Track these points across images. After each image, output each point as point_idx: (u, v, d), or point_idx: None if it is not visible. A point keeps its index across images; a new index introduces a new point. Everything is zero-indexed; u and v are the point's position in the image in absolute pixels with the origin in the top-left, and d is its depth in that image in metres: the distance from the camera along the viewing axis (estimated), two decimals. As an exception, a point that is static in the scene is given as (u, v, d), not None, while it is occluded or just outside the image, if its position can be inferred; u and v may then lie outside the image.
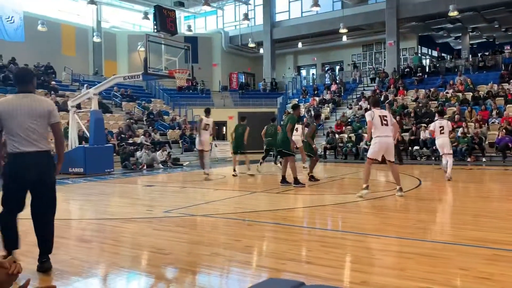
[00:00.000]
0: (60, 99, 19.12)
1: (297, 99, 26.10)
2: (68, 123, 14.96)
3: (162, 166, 16.23)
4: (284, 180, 9.59)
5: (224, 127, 27.30)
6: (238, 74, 31.63)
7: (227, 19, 32.53)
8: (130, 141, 17.87)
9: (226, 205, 7.49)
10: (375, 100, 8.52)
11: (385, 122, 7.66)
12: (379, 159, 7.90)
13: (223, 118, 26.69)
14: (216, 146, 21.44)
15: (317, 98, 24.63)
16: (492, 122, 16.91)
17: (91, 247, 4.78)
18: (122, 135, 18.13)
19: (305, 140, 11.15)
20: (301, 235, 5.32)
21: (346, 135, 19.33)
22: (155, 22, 13.04)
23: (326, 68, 29.98)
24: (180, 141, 20.91)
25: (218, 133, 26.50)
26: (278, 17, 30.05)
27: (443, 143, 10.27)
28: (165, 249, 4.55)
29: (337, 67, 30.34)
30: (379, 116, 7.67)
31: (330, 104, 23.61)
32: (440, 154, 10.91)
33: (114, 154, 15.35)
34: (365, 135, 15.04)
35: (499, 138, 15.59)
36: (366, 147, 15.08)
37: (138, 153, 16.23)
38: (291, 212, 6.69)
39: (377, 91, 22.75)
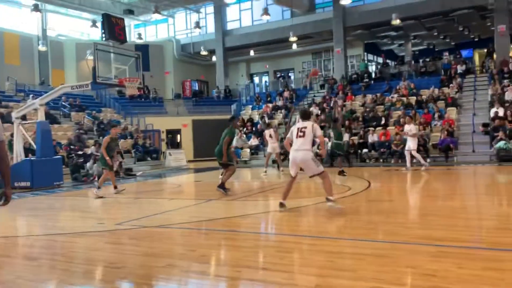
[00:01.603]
0: (3, 110, 18.20)
1: (250, 106, 26.32)
2: (12, 135, 14.27)
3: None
4: (222, 186, 9.38)
5: (178, 135, 27.01)
6: (191, 81, 31.46)
7: (178, 27, 32.30)
8: (80, 152, 17.27)
9: (181, 215, 7.41)
10: (302, 112, 7.68)
11: (301, 134, 7.05)
12: (293, 174, 7.16)
13: (177, 126, 26.42)
14: (170, 154, 21.14)
15: (270, 105, 24.93)
16: (435, 125, 17.81)
17: (39, 265, 4.58)
18: (72, 146, 17.50)
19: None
20: (256, 241, 5.36)
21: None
22: (103, 31, 12.75)
23: (278, 76, 30.45)
24: (132, 151, 20.45)
25: (172, 141, 26.20)
26: (230, 26, 30.21)
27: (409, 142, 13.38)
28: (118, 263, 4.45)
29: (292, 75, 30.89)
30: (297, 128, 7.15)
31: (283, 111, 23.96)
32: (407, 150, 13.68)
33: (64, 166, 14.79)
34: (316, 139, 15.59)
35: (441, 140, 16.45)
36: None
37: (88, 164, 15.71)
38: (246, 219, 6.72)
39: (327, 97, 23.36)
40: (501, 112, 16.84)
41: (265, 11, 24.67)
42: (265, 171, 14.41)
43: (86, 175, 15.19)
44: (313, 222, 6.20)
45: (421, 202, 7.87)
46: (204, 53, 29.28)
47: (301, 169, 7.21)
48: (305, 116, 7.46)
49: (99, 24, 22.54)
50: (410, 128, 13.59)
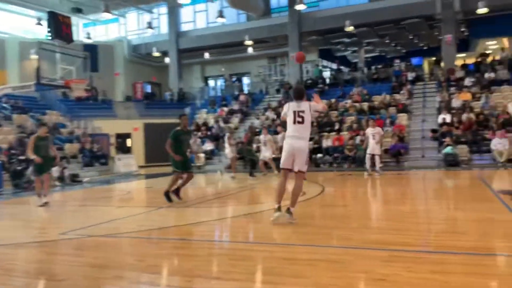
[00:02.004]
0: None
1: (205, 110, 26.03)
2: None
3: (59, 183, 15.05)
4: (170, 193, 8.85)
5: (129, 140, 26.22)
6: (143, 83, 30.69)
7: (130, 27, 31.51)
8: (22, 157, 16.30)
9: (129, 223, 7.09)
10: (296, 91, 6.52)
11: (299, 119, 6.04)
12: (287, 166, 6.13)
13: (127, 130, 25.64)
14: (119, 159, 20.42)
15: (225, 109, 24.76)
16: (386, 130, 18.33)
17: (-31, 281, 4.19)
18: (13, 151, 16.52)
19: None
20: (209, 249, 5.19)
21: (255, 145, 19.60)
22: (49, 29, 12.20)
23: (233, 79, 30.38)
24: (79, 156, 19.60)
25: (122, 146, 25.40)
26: (184, 27, 29.82)
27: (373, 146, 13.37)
28: (60, 275, 4.17)
29: (248, 79, 30.93)
30: (294, 111, 6.09)
31: (238, 115, 23.88)
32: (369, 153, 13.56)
33: (4, 172, 13.92)
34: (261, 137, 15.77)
35: (392, 145, 16.94)
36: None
37: (29, 170, 14.85)
38: (198, 226, 6.52)
39: (283, 102, 23.51)
40: (448, 119, 17.60)
41: (220, 14, 24.56)
42: (233, 176, 14.34)
43: (28, 182, 14.34)
44: (267, 228, 6.11)
45: (374, 207, 8.00)
46: (156, 54, 28.70)
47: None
48: (300, 95, 6.28)
49: (44, 22, 21.58)
50: (377, 131, 13.65)
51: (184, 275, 4.09)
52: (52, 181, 14.83)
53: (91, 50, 22.75)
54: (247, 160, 14.35)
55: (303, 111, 6.06)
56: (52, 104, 25.32)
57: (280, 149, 17.18)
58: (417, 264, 4.07)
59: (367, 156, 13.67)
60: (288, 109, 6.17)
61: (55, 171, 15.19)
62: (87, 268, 4.40)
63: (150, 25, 26.77)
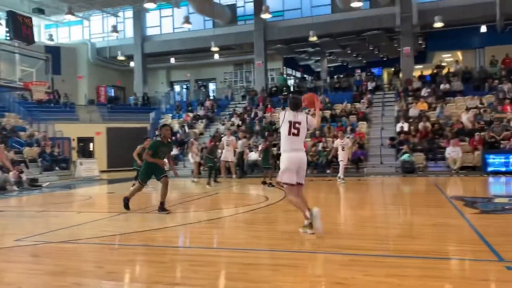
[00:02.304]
0: None
1: (170, 115, 25.82)
2: None
3: (17, 188, 14.52)
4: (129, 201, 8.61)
5: (91, 144, 25.62)
6: (106, 87, 30.09)
7: (94, 30, 30.85)
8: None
9: (90, 229, 6.96)
10: (292, 100, 5.99)
11: (294, 131, 5.69)
12: (295, 181, 5.75)
13: (90, 134, 25.07)
14: (81, 164, 19.92)
15: (191, 114, 24.66)
16: (347, 137, 18.77)
17: None
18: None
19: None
20: (170, 255, 5.18)
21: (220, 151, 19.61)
22: (8, 29, 11.80)
23: (199, 85, 30.30)
24: (39, 160, 18.97)
25: (84, 150, 24.78)
26: (150, 31, 29.52)
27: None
28: (15, 283, 4.05)
29: (213, 85, 30.92)
30: (289, 121, 5.71)
31: (204, 120, 23.83)
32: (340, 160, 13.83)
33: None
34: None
35: (353, 152, 17.39)
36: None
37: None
38: (160, 232, 6.49)
39: (248, 108, 23.68)
40: (406, 127, 18.25)
41: (186, 20, 24.48)
42: (195, 181, 14.31)
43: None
44: (229, 234, 6.16)
45: (334, 212, 8.19)
46: (121, 58, 28.24)
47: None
48: (297, 105, 5.90)
49: (3, 22, 20.81)
50: (346, 142, 14.25)
51: (144, 281, 4.08)
52: (10, 186, 14.33)
53: (53, 52, 22.10)
54: (207, 167, 14.27)
55: (299, 123, 5.69)
56: (10, 107, 24.43)
57: (240, 154, 17.52)
58: (375, 267, 4.22)
59: (341, 163, 13.80)
60: (284, 118, 5.74)
61: (11, 175, 14.68)
62: (45, 276, 4.30)
63: (115, 29, 26.32)
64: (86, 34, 30.92)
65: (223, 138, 16.93)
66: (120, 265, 4.70)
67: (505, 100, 18.46)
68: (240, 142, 17.96)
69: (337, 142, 14.16)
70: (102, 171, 22.08)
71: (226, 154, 16.14)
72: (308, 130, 5.98)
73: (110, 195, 11.92)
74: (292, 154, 5.67)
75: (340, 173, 13.75)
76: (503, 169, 14.97)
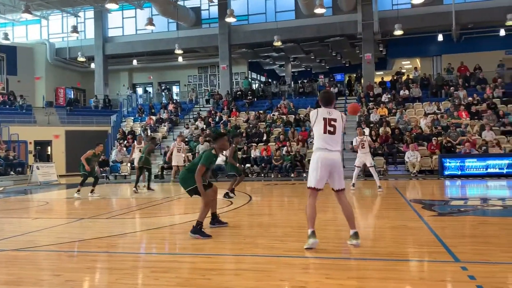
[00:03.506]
0: None
1: (133, 118, 25.33)
2: None
3: (-32, 194, 13.82)
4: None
5: (49, 147, 24.74)
6: (66, 89, 29.20)
7: (53, 30, 29.87)
8: None
9: (47, 236, 6.70)
10: (324, 96, 5.45)
11: (330, 128, 5.15)
12: (322, 187, 5.41)
13: (47, 137, 24.24)
14: (38, 168, 19.18)
15: (153, 117, 24.28)
16: (311, 142, 19.04)
17: None
18: None
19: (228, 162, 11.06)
20: (131, 262, 5.04)
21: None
22: (-42, 26, 11.20)
23: (163, 88, 29.91)
24: (-8, 164, 18.17)
25: (41, 154, 23.89)
26: (111, 32, 28.89)
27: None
28: (-37, 296, 3.83)
29: (177, 88, 30.58)
30: (324, 119, 5.16)
31: (167, 124, 23.51)
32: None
33: None
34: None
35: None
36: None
37: None
38: (121, 238, 6.32)
39: (212, 112, 23.58)
40: (367, 132, 18.66)
41: (150, 21, 24.13)
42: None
43: None
44: (191, 239, 6.07)
45: (298, 215, 8.24)
46: (81, 59, 27.47)
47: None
48: (329, 100, 5.37)
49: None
50: (364, 138, 13.00)
51: (104, 289, 3.96)
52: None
53: (9, 51, 21.27)
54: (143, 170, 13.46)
55: (334, 120, 5.17)
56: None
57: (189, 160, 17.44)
58: (336, 270, 4.27)
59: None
60: (317, 116, 5.20)
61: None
62: (-3, 286, 4.10)
63: (75, 29, 25.58)
64: (45, 33, 29.91)
65: (173, 143, 17.53)
66: (79, 272, 4.54)
67: (461, 106, 19.26)
68: (201, 146, 17.99)
69: (356, 140, 11.90)
70: (61, 176, 21.36)
71: (178, 159, 16.73)
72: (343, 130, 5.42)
73: (69, 200, 11.53)
74: (323, 154, 5.10)
75: (376, 181, 11.76)
76: (459, 172, 15.60)
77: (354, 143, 12.18)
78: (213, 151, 6.29)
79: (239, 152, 18.69)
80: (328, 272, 4.19)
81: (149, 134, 22.22)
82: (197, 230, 5.99)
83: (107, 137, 23.34)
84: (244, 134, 20.25)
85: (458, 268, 4.24)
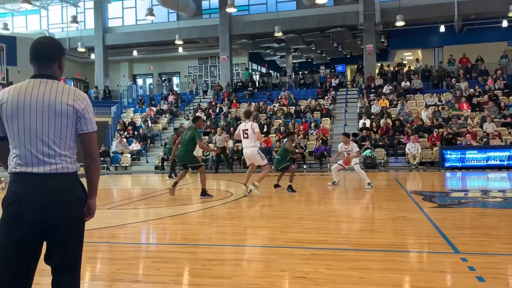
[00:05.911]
0: None
1: (133, 109, 25.29)
2: None
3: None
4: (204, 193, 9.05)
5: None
6: (66, 80, 29.06)
7: (53, 20, 29.71)
8: None
9: (47, 226, 6.71)
10: (245, 112, 9.63)
11: (245, 135, 8.91)
12: (248, 164, 9.54)
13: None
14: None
15: (154, 108, 24.24)
16: (311, 133, 19.03)
17: None
18: None
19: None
20: (132, 252, 5.07)
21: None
22: (-43, 16, 11.14)
23: (163, 78, 29.82)
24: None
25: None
26: (111, 23, 28.72)
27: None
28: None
29: (177, 79, 30.48)
30: (241, 129, 9.02)
31: (167, 115, 23.48)
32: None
33: None
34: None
35: (316, 147, 17.63)
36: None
37: None
38: (122, 229, 6.35)
39: (213, 103, 23.54)
40: (368, 123, 18.66)
41: (150, 12, 23.94)
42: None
43: None
44: (193, 229, 6.10)
45: (297, 207, 8.27)
46: (81, 49, 27.34)
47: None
48: (246, 115, 9.30)
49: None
50: (351, 147, 11.14)
51: (104, 279, 3.99)
52: None
53: (8, 42, 21.17)
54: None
55: (247, 129, 9.50)
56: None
57: (222, 150, 17.41)
58: (336, 261, 4.28)
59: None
60: (240, 129, 9.88)
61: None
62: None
63: (75, 19, 25.43)
64: (44, 24, 29.75)
65: (174, 136, 17.12)
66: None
67: (462, 98, 19.20)
68: (220, 137, 17.79)
69: (341, 147, 11.22)
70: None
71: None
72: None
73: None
74: (243, 150, 9.60)
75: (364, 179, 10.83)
76: (459, 164, 15.59)
77: (339, 149, 11.25)
78: (194, 127, 9.04)
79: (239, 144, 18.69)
80: (328, 263, 4.20)
81: (149, 125, 22.20)
82: (203, 192, 8.89)
83: (107, 128, 23.32)
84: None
85: (457, 259, 4.25)
